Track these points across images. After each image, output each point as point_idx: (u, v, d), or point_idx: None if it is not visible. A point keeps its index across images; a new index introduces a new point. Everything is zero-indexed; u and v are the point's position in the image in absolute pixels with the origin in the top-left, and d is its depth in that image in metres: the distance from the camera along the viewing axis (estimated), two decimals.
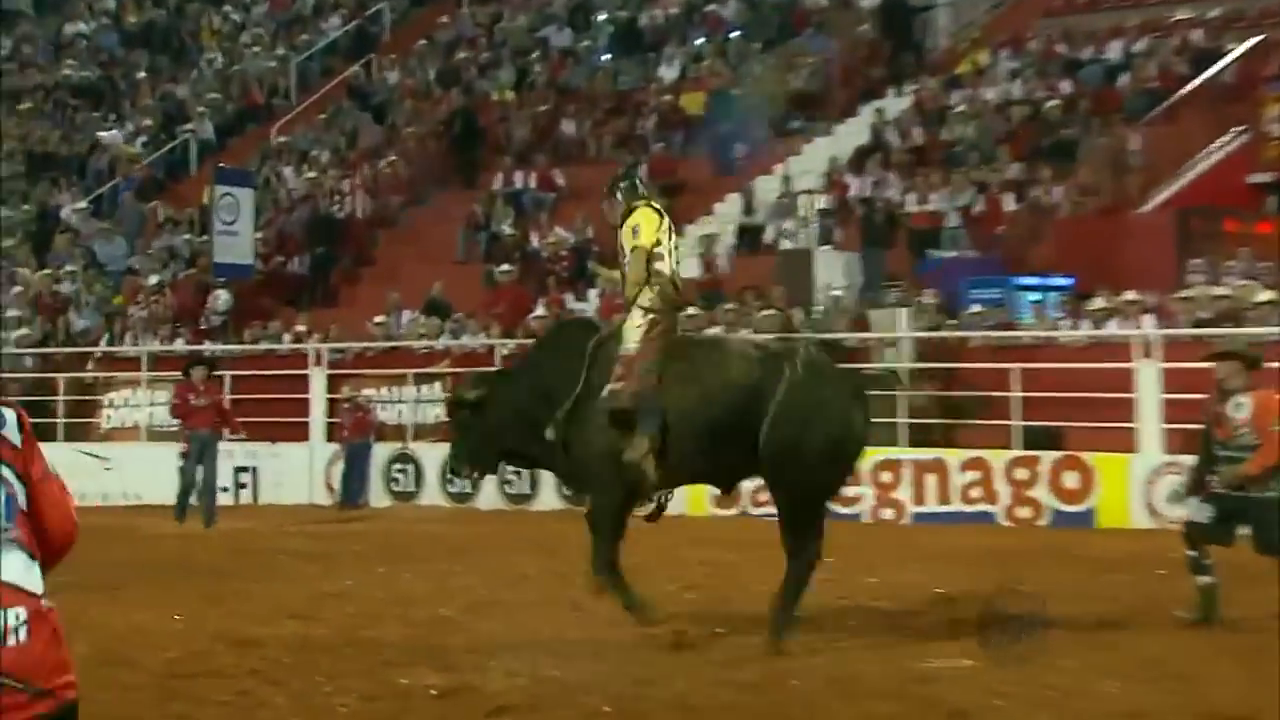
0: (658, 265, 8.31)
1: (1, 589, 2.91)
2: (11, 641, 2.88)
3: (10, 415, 3.12)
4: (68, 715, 2.95)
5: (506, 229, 20.95)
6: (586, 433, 8.20)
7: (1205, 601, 8.47)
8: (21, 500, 3.04)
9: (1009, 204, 18.42)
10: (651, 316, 8.22)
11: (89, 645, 8.14)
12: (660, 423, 8.04)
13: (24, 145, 25.05)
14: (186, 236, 22.42)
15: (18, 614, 2.94)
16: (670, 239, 8.48)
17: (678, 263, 8.60)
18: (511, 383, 8.85)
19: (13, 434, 3.10)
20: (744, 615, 8.70)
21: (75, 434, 18.80)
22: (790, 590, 8.07)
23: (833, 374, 8.43)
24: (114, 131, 25.18)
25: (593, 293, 19.06)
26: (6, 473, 3.04)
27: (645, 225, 8.35)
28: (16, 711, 2.84)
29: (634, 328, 8.23)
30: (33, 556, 3.04)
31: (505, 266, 19.71)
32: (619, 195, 8.58)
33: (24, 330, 20.34)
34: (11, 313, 20.85)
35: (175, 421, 15.68)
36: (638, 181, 8.96)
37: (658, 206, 8.65)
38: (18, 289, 21.40)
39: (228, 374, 17.98)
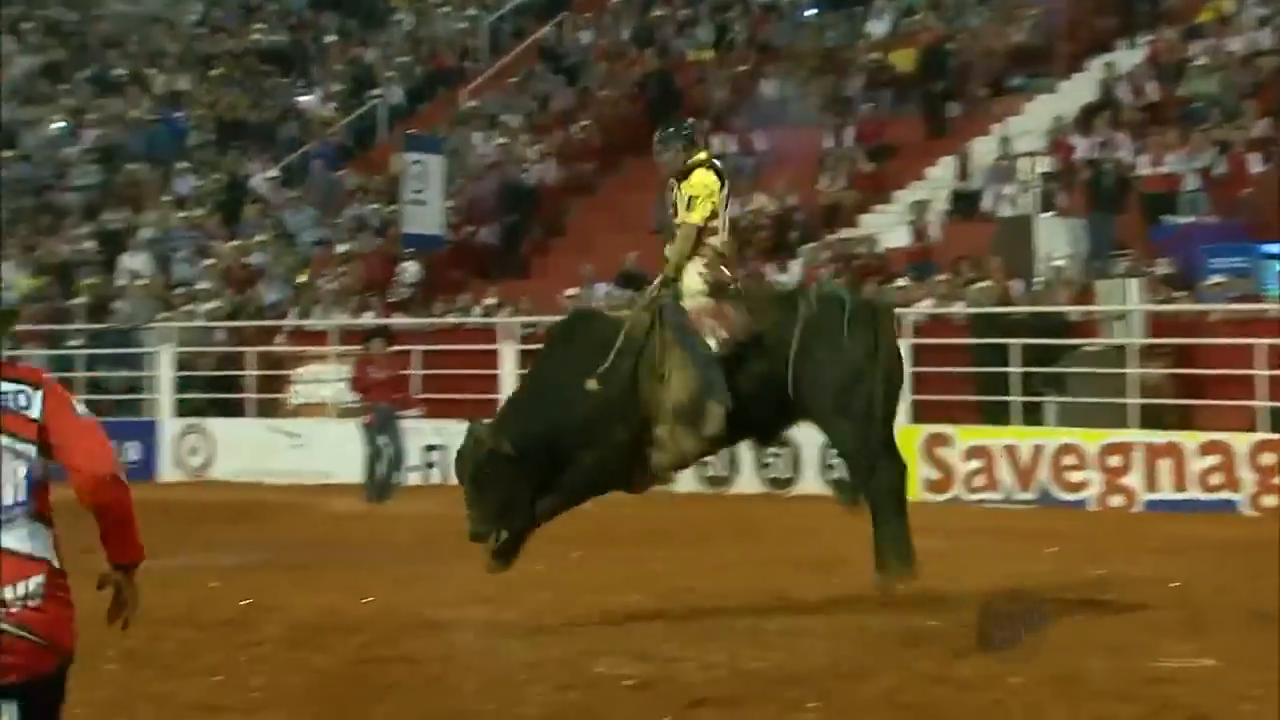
0: (710, 240, 8.48)
1: (20, 559, 3.47)
2: (32, 604, 3.48)
3: (36, 394, 3.63)
4: (67, 664, 3.58)
5: None
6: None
7: None
8: (38, 473, 3.58)
9: (1255, 165, 17.80)
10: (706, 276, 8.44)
11: (280, 627, 8.43)
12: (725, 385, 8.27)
13: (214, 113, 25.86)
14: (375, 205, 22.90)
15: (38, 580, 3.52)
16: (726, 208, 8.62)
17: (729, 234, 8.73)
18: (534, 406, 8.66)
19: (35, 409, 3.60)
20: (957, 607, 8.58)
21: (264, 410, 19.39)
22: (887, 518, 8.34)
23: (848, 303, 8.67)
24: (312, 96, 25.83)
25: (795, 263, 18.98)
26: (26, 448, 3.56)
27: (704, 197, 8.47)
28: (36, 661, 3.46)
29: (694, 286, 8.48)
30: (49, 525, 3.59)
31: None
32: (679, 147, 8.61)
33: (214, 303, 21.03)
34: (202, 285, 21.57)
35: (356, 396, 16.17)
36: (695, 135, 8.92)
37: (719, 167, 8.74)
38: (208, 261, 22.14)
39: (417, 348, 18.37)
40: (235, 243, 22.51)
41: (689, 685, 6.94)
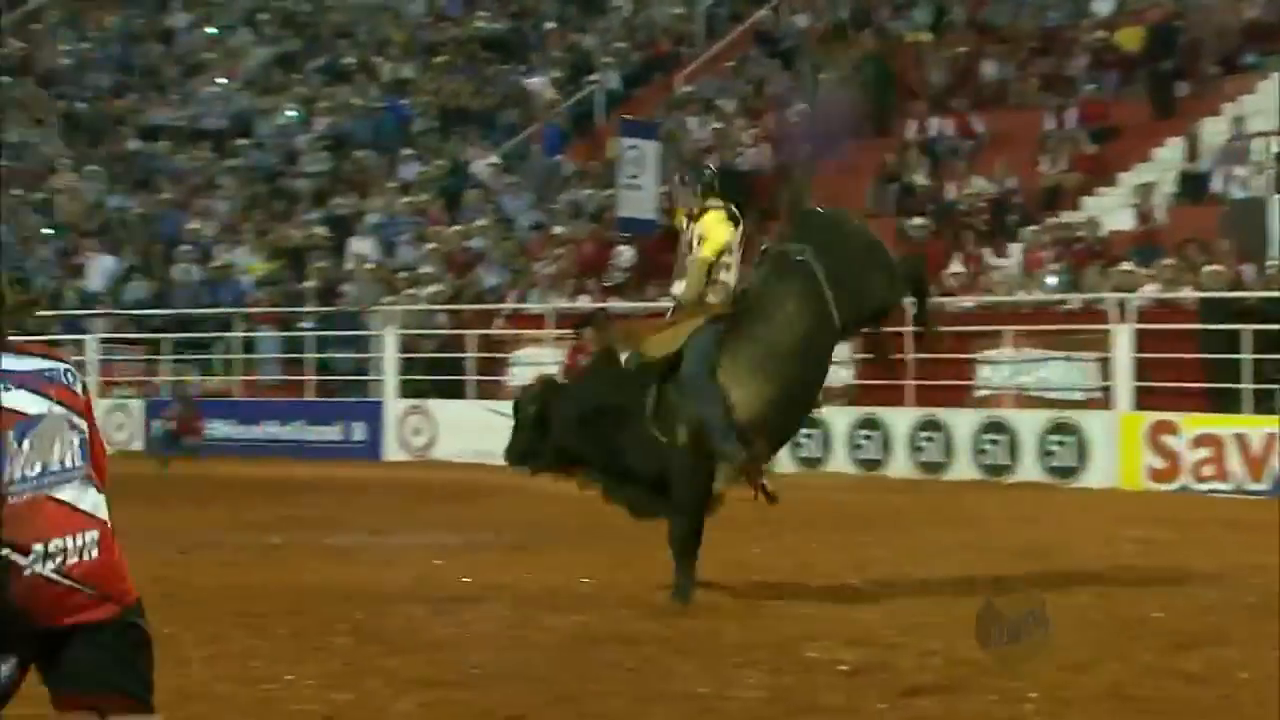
0: (721, 275, 8.95)
1: (80, 515, 3.76)
2: (86, 557, 3.75)
3: (79, 380, 3.91)
4: (133, 611, 3.81)
5: (920, 179, 20.70)
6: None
7: None
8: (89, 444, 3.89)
9: None
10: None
11: (506, 605, 8.60)
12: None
13: (437, 100, 26.38)
14: (591, 190, 23.12)
15: (91, 535, 3.79)
16: (738, 251, 9.10)
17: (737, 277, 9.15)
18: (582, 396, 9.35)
19: (78, 387, 3.88)
20: (1184, 600, 8.36)
21: (484, 392, 19.74)
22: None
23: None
24: (540, 78, 26.15)
25: (1015, 247, 18.64)
26: (79, 420, 3.82)
27: (714, 234, 8.92)
28: (90, 610, 3.73)
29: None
30: (100, 489, 3.85)
31: (919, 220, 19.47)
32: (697, 189, 9.08)
33: (436, 287, 21.47)
34: (424, 269, 22.05)
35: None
36: (716, 181, 9.34)
37: (735, 214, 9.14)
38: (430, 245, 22.61)
39: None
40: (456, 227, 22.94)
41: (904, 672, 6.88)
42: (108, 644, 3.74)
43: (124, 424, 20.97)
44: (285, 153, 25.92)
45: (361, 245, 22.92)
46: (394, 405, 20.12)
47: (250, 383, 21.62)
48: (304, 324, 21.53)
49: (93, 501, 3.80)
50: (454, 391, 20.00)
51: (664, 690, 6.60)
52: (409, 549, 11.29)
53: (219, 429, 20.28)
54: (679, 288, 9.08)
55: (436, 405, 19.85)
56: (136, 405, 21.18)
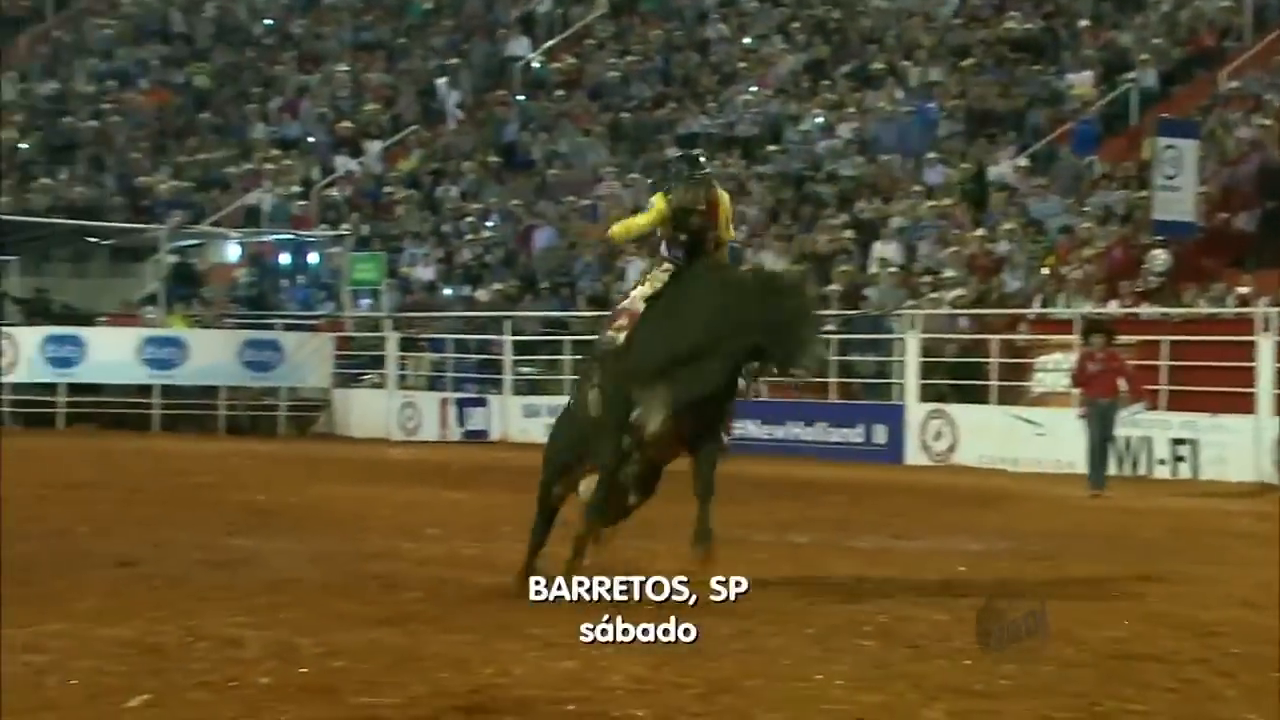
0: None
1: None
2: None
3: None
4: None
5: None
6: None
7: None
8: None
9: None
10: None
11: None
12: None
13: (964, 102, 26.05)
14: (1122, 192, 22.28)
15: None
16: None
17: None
18: None
19: None
20: None
21: (1006, 397, 19.37)
22: None
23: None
24: (1084, 73, 25.44)
25: None
26: None
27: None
28: None
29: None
30: None
31: None
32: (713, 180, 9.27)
33: (959, 290, 21.21)
34: (947, 273, 21.82)
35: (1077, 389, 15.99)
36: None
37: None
38: (954, 249, 22.35)
39: (1164, 339, 17.76)
40: (980, 231, 22.59)
41: None
42: None
43: None
44: (812, 158, 26.23)
45: (885, 249, 22.91)
46: (915, 409, 20.02)
47: (776, 384, 21.98)
48: (827, 327, 21.74)
49: None
50: (976, 396, 19.70)
51: (1210, 715, 6.24)
52: (933, 554, 11.17)
53: (746, 429, 20.78)
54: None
55: (958, 410, 19.61)
56: None
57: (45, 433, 23.59)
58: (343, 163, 29.82)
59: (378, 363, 25.04)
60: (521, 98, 30.63)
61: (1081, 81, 25.15)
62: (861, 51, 28.45)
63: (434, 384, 24.78)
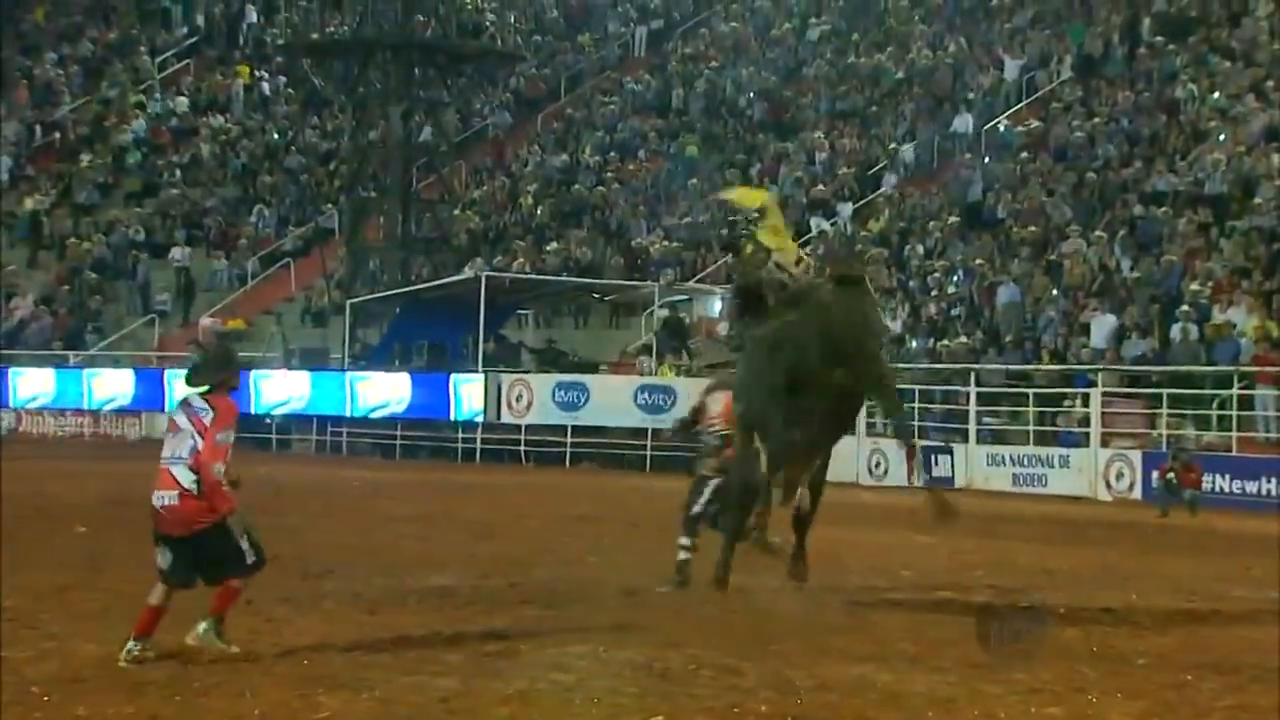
0: None
1: (170, 477, 7.53)
2: (167, 501, 7.55)
3: (210, 413, 7.56)
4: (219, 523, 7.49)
5: None
6: None
7: None
8: (199, 446, 7.49)
9: None
10: None
11: None
12: None
13: None
14: None
15: (171, 494, 7.52)
16: None
17: None
18: None
19: (207, 416, 7.55)
20: None
21: None
22: None
23: None
24: None
25: None
26: (196, 438, 7.51)
27: None
28: (178, 526, 7.53)
29: None
30: (194, 471, 7.49)
31: None
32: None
33: None
34: None
35: None
36: None
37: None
38: None
39: None
40: None
41: None
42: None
43: (1124, 473, 21.02)
44: None
45: None
46: None
47: (1247, 439, 20.86)
48: None
49: (185, 477, 7.45)
50: None
51: None
52: None
53: (1216, 482, 19.77)
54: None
55: None
56: (1135, 456, 21.11)
57: (554, 470, 24.91)
58: (817, 223, 30.23)
59: None
60: (985, 159, 30.36)
61: None
62: None
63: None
